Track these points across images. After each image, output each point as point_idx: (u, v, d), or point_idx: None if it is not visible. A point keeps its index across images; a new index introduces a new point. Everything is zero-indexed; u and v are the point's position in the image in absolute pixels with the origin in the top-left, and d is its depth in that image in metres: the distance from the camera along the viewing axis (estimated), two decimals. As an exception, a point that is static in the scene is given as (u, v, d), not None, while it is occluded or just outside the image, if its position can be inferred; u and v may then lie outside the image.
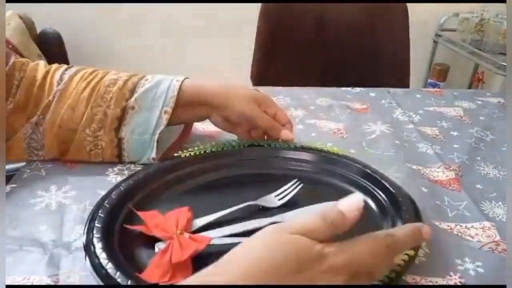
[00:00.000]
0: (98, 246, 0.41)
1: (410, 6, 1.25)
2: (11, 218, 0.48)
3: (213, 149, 0.59)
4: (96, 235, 0.43)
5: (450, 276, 0.43)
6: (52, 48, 1.75)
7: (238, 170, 0.58)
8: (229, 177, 0.57)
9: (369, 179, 0.54)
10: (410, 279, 0.41)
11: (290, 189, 0.53)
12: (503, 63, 1.57)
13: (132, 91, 0.58)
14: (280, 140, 0.61)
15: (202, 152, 0.58)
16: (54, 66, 0.61)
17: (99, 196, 0.50)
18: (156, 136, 0.58)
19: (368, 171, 0.55)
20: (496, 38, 1.71)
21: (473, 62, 1.89)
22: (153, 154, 0.57)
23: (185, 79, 0.60)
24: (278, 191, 0.53)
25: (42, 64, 0.60)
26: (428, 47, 2.04)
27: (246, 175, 0.58)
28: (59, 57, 1.75)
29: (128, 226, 0.45)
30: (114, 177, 0.57)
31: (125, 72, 0.62)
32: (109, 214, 0.46)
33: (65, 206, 0.51)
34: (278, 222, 0.47)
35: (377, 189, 0.53)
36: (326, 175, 0.57)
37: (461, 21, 1.85)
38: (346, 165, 0.57)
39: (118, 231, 0.45)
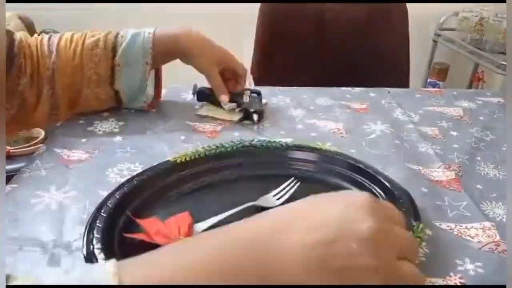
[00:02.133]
0: (100, 257, 0.41)
1: (409, 5, 1.25)
2: (11, 218, 0.48)
3: (207, 153, 0.59)
4: (96, 245, 0.42)
5: (450, 276, 0.43)
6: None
7: (234, 172, 0.58)
8: (225, 179, 0.57)
9: (363, 175, 0.55)
10: (410, 279, 0.41)
11: (287, 188, 0.53)
12: (503, 63, 1.56)
13: (114, 50, 0.68)
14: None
15: (196, 156, 0.58)
16: (38, 38, 0.68)
17: (99, 196, 0.50)
18: (146, 84, 0.71)
19: (361, 166, 0.56)
20: (496, 37, 1.71)
21: (473, 62, 1.88)
22: (144, 98, 0.72)
23: (155, 30, 0.70)
24: (276, 191, 0.53)
25: (31, 38, 0.67)
26: (427, 47, 2.03)
27: (243, 176, 0.58)
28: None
29: (128, 235, 0.44)
30: (114, 177, 0.57)
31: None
32: (107, 223, 0.45)
33: (65, 206, 0.51)
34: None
35: (372, 184, 0.54)
36: (321, 172, 0.58)
37: (461, 20, 1.84)
38: (339, 162, 0.58)
39: (117, 240, 0.44)
